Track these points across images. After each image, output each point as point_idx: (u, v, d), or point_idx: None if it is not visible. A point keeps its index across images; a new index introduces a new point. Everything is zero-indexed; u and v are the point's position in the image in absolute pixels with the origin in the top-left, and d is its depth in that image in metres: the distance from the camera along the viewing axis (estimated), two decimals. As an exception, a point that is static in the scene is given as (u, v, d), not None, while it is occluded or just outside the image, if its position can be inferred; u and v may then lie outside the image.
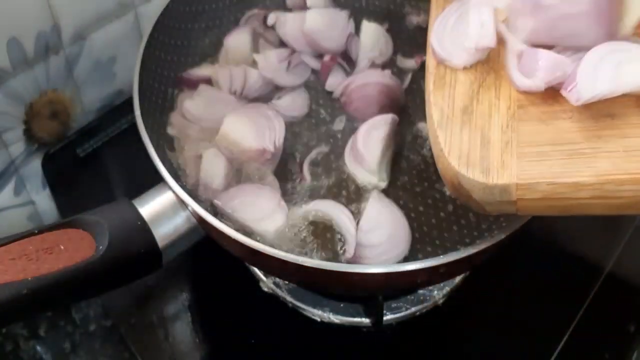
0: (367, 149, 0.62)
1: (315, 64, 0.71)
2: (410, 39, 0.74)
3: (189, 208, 0.55)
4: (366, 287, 0.57)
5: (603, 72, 0.44)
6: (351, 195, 0.62)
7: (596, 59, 0.45)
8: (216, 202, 0.60)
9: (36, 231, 0.51)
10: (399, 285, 0.62)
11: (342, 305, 0.67)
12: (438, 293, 0.68)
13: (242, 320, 0.68)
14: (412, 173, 0.64)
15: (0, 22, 0.64)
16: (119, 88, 0.82)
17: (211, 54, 0.74)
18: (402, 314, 0.67)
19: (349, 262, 0.57)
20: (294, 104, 0.69)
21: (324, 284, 0.60)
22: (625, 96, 0.44)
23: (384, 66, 0.71)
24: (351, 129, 0.66)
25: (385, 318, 0.66)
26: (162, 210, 0.56)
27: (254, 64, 0.70)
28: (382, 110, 0.65)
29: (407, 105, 0.69)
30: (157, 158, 0.56)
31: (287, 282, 0.68)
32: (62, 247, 0.51)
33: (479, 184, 0.45)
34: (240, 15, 0.76)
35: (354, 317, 0.67)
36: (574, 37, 0.48)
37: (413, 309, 0.67)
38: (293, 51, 0.71)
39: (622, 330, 0.67)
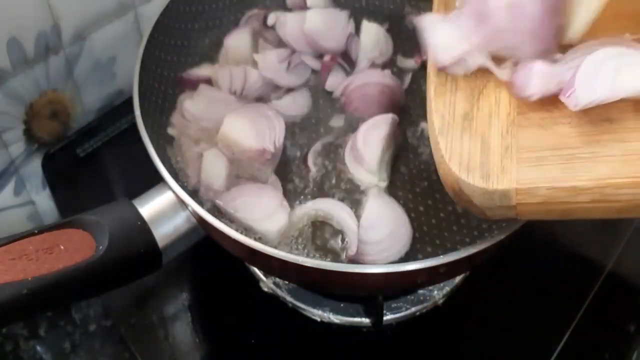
0: (367, 149, 0.62)
1: (315, 64, 0.71)
2: (410, 39, 0.74)
3: (189, 208, 0.55)
4: (366, 287, 0.57)
5: (601, 77, 0.44)
6: (351, 194, 0.62)
7: (594, 65, 0.45)
8: (218, 202, 0.60)
9: (36, 231, 0.51)
10: (399, 285, 0.62)
11: (342, 305, 0.67)
12: (438, 293, 0.68)
13: (242, 320, 0.68)
14: (412, 173, 0.64)
15: (0, 22, 0.64)
16: (119, 88, 0.82)
17: (211, 54, 0.74)
18: (402, 314, 0.67)
19: (351, 259, 0.57)
20: (294, 104, 0.69)
21: (324, 284, 0.60)
22: (623, 101, 0.45)
23: (384, 66, 0.71)
24: (351, 129, 0.66)
25: (385, 318, 0.66)
26: (162, 210, 0.56)
27: (254, 64, 0.70)
28: (382, 110, 0.65)
29: (407, 105, 0.69)
30: (157, 158, 0.56)
31: (287, 282, 0.68)
32: (62, 247, 0.51)
33: (479, 189, 0.46)
34: (240, 15, 0.76)
35: (354, 317, 0.67)
36: (511, 50, 0.50)
37: (413, 309, 0.67)
38: (293, 51, 0.71)
39: (622, 330, 0.67)
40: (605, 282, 0.70)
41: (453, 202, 0.60)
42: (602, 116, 0.46)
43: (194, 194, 0.61)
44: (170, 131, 0.66)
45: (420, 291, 0.68)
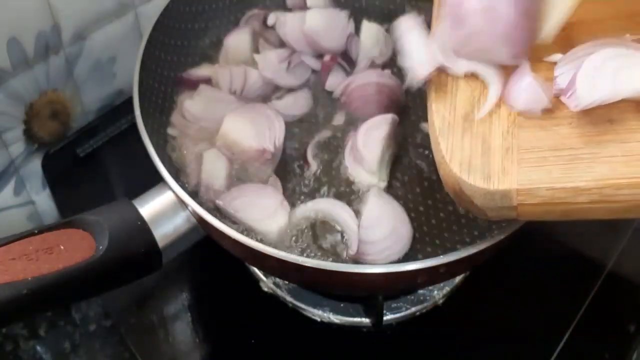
0: (367, 149, 0.62)
1: (315, 64, 0.71)
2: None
3: (189, 208, 0.55)
4: (366, 287, 0.57)
5: (602, 77, 0.45)
6: (352, 194, 0.62)
7: (595, 65, 0.45)
8: (218, 202, 0.60)
9: (36, 231, 0.51)
10: (399, 285, 0.62)
11: (342, 305, 0.67)
12: (438, 293, 0.68)
13: (242, 320, 0.68)
14: (412, 173, 0.64)
15: (0, 22, 0.64)
16: (119, 88, 0.82)
17: (211, 54, 0.74)
18: (402, 314, 0.67)
19: (351, 259, 0.57)
20: (294, 104, 0.69)
21: (324, 284, 0.60)
22: (624, 101, 0.45)
23: (384, 66, 0.71)
24: (351, 129, 0.66)
25: (385, 318, 0.66)
26: (162, 210, 0.56)
27: (254, 64, 0.70)
28: (382, 110, 0.65)
29: (407, 106, 0.69)
30: (157, 158, 0.57)
31: (287, 282, 0.68)
32: (62, 247, 0.51)
33: (480, 189, 0.46)
34: (240, 15, 0.76)
35: (354, 317, 0.67)
36: (485, 53, 0.51)
37: (413, 309, 0.67)
38: (293, 51, 0.71)
39: (622, 330, 0.67)
40: (606, 282, 0.70)
41: (453, 202, 0.60)
42: (603, 117, 0.46)
43: (194, 194, 0.61)
44: (170, 131, 0.66)
45: (420, 291, 0.68)
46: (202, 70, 0.71)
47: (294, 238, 0.59)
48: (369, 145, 0.62)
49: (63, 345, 0.68)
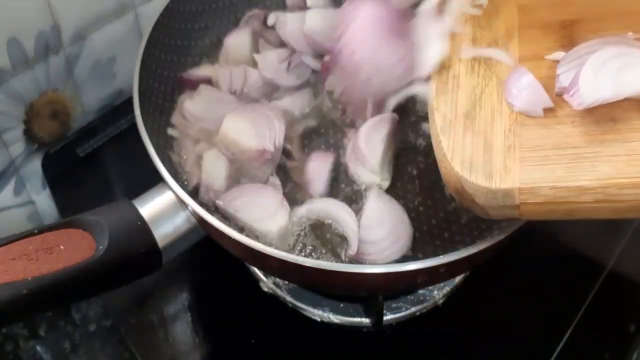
0: (369, 149, 0.61)
1: (315, 64, 0.71)
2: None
3: (189, 208, 0.55)
4: (366, 287, 0.57)
5: (605, 76, 0.44)
6: (352, 194, 0.62)
7: (598, 63, 0.45)
8: (218, 202, 0.60)
9: (36, 231, 0.51)
10: (399, 285, 0.62)
11: (342, 305, 0.67)
12: (438, 293, 0.68)
13: (242, 320, 0.68)
14: (413, 173, 0.64)
15: (0, 22, 0.64)
16: (119, 88, 0.82)
17: (211, 54, 0.74)
18: (402, 314, 0.67)
19: (351, 259, 0.57)
20: (294, 104, 0.68)
21: (324, 284, 0.60)
22: (627, 100, 0.45)
23: (384, 66, 0.71)
24: (351, 129, 0.66)
25: (385, 318, 0.66)
26: (162, 210, 0.56)
27: (254, 64, 0.70)
28: (383, 109, 0.65)
29: (407, 105, 0.68)
30: (157, 158, 0.56)
31: (287, 282, 0.68)
32: (62, 247, 0.51)
33: (482, 188, 0.45)
34: (240, 15, 0.76)
35: (354, 317, 0.67)
36: (384, 85, 0.55)
37: (413, 309, 0.67)
38: (293, 51, 0.71)
39: (622, 330, 0.67)
40: (606, 282, 0.70)
41: (453, 202, 0.60)
42: (606, 115, 0.45)
43: (194, 194, 0.61)
44: (170, 131, 0.66)
45: (420, 291, 0.68)
46: (202, 70, 0.71)
47: (294, 238, 0.59)
48: (371, 145, 0.62)
49: (63, 345, 0.67)
